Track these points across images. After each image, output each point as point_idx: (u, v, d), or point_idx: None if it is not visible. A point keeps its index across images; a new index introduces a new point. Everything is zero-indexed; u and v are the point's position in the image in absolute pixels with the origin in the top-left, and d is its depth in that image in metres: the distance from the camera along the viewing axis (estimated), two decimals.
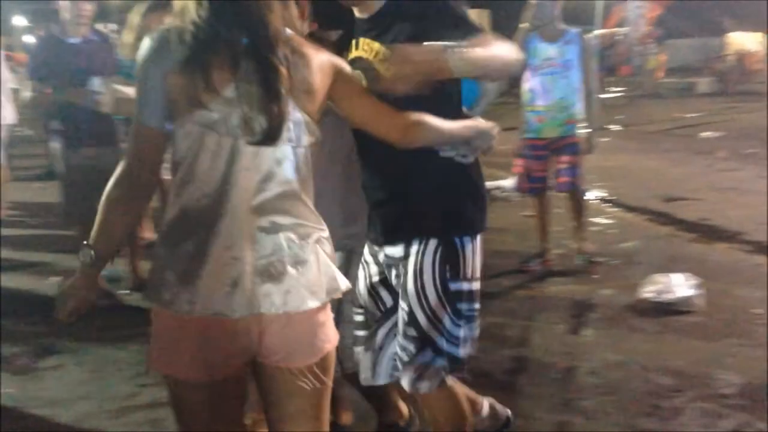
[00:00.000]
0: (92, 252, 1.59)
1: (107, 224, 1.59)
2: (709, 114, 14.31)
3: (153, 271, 1.59)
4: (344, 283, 1.69)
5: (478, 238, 2.07)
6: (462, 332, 2.06)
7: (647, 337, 3.76)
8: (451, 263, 2.00)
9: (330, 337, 1.67)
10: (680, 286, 4.11)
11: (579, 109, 4.62)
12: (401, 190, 2.03)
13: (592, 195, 6.88)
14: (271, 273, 1.54)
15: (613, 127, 12.42)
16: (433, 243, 2.00)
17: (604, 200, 7.12)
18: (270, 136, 1.49)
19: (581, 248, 4.89)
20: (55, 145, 4.35)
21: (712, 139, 11.08)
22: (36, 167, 8.84)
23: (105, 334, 3.75)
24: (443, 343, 2.03)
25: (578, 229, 4.95)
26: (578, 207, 4.87)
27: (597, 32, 16.42)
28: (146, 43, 1.54)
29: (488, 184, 8.01)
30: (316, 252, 1.61)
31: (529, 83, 4.67)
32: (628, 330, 3.86)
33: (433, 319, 2.01)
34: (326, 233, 1.66)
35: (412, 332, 2.02)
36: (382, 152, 1.86)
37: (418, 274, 2.00)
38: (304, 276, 1.57)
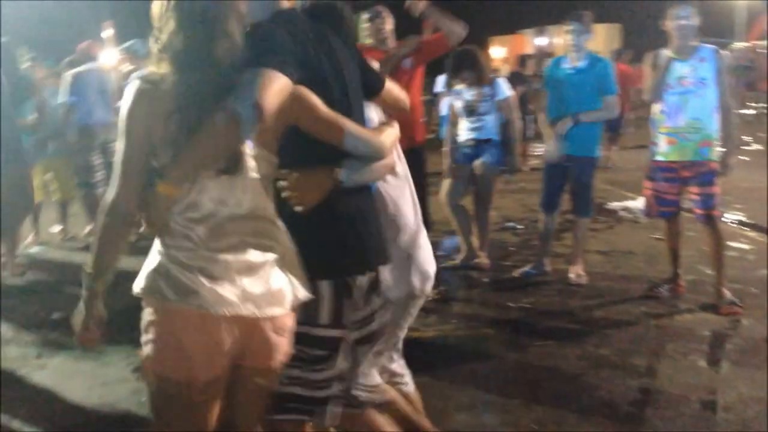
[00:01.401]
0: (95, 277, 1.75)
1: (104, 248, 1.74)
2: None
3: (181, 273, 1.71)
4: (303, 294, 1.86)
5: (329, 283, 1.95)
6: (295, 372, 1.98)
7: None
8: (304, 305, 1.91)
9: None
10: None
11: (714, 130, 4.36)
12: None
13: (729, 218, 6.50)
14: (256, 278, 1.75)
15: (754, 146, 11.69)
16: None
17: (742, 224, 6.69)
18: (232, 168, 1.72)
19: (720, 291, 4.46)
20: None
21: None
22: None
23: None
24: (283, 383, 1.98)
25: (716, 264, 4.53)
26: (716, 241, 4.47)
27: (736, 46, 15.57)
28: None
29: (615, 204, 7.85)
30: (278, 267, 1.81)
31: (662, 103, 4.47)
32: (766, 363, 3.61)
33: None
34: (292, 249, 1.84)
35: None
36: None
37: None
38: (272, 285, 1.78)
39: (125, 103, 1.71)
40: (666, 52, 4.42)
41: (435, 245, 5.77)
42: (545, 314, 4.52)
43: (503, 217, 7.29)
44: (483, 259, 5.48)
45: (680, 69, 4.36)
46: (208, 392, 1.75)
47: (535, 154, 10.48)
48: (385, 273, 2.22)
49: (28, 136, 5.67)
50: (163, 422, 1.80)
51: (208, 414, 1.79)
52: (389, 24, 4.58)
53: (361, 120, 2.03)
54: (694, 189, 4.44)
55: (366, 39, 4.62)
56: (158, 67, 1.72)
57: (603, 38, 18.13)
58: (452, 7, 4.72)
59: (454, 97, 5.45)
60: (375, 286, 2.11)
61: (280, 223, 1.83)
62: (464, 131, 5.44)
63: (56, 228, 7.01)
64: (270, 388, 1.90)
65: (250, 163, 1.75)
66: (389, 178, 2.30)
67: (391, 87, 2.26)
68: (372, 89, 2.17)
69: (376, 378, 2.33)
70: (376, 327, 2.16)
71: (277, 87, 1.65)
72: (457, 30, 4.28)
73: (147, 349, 1.74)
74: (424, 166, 4.72)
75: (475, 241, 5.52)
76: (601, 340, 4.02)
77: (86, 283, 1.77)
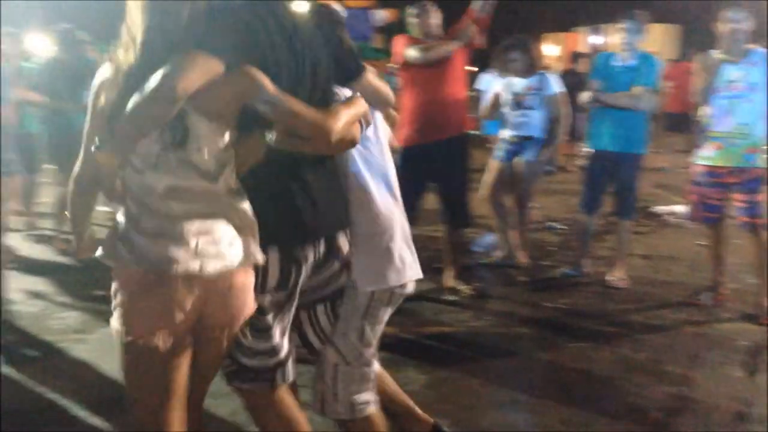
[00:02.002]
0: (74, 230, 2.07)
1: (75, 211, 2.03)
2: None
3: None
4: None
5: (275, 250, 2.02)
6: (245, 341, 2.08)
7: None
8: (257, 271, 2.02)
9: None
10: None
11: (762, 136, 4.24)
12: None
13: None
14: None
15: None
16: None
17: None
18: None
19: (761, 301, 4.35)
20: None
21: None
22: None
23: None
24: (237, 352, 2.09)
25: (759, 274, 4.43)
26: (760, 249, 4.37)
27: None
28: None
29: (662, 208, 7.71)
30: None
31: (710, 106, 4.37)
32: None
33: None
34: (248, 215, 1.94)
35: None
36: None
37: None
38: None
39: (92, 85, 1.90)
40: (717, 55, 4.32)
41: (474, 241, 5.85)
42: (581, 316, 4.47)
43: (546, 216, 7.22)
44: (521, 258, 5.44)
45: (731, 72, 4.26)
46: (172, 351, 1.85)
47: (581, 154, 10.34)
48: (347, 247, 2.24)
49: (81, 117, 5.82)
50: (132, 384, 1.90)
51: (175, 373, 1.88)
52: (436, 18, 4.59)
53: (322, 102, 2.07)
54: (740, 196, 4.34)
55: (414, 33, 4.64)
56: (125, 55, 1.84)
57: (661, 39, 17.75)
58: (505, 4, 4.71)
59: (502, 85, 5.36)
60: (332, 251, 2.17)
61: (236, 191, 1.93)
62: (509, 127, 5.38)
63: (103, 208, 7.16)
64: (226, 349, 2.01)
65: (201, 135, 1.85)
66: (361, 163, 2.30)
67: (372, 78, 2.30)
68: (346, 76, 2.21)
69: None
70: (334, 288, 2.25)
71: (198, 69, 1.78)
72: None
73: (115, 313, 1.85)
74: (468, 154, 4.72)
75: (514, 239, 5.49)
76: (636, 344, 3.96)
77: (71, 229, 2.09)
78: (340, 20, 2.45)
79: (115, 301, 1.85)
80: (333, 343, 2.30)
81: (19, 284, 4.71)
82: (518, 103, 5.28)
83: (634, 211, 5.11)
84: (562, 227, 6.82)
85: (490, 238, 5.91)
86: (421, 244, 6.01)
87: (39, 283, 4.92)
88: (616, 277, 4.99)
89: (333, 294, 2.27)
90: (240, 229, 1.92)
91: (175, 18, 1.84)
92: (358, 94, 2.19)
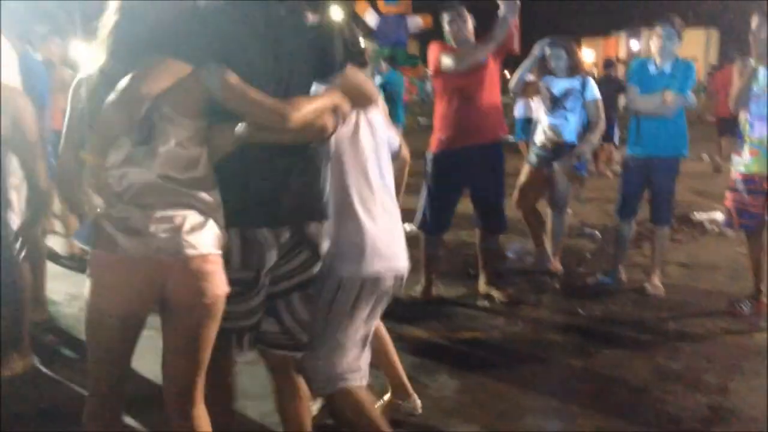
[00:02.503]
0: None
1: (63, 191, 2.24)
2: None
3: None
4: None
5: (237, 232, 2.17)
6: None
7: None
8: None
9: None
10: None
11: None
12: None
13: None
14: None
15: None
16: None
17: None
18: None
19: None
20: None
21: None
22: None
23: None
24: None
25: None
26: None
27: None
28: None
29: (701, 215, 7.56)
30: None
31: (747, 112, 4.30)
32: None
33: None
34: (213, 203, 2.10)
35: None
36: None
37: None
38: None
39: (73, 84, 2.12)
40: (753, 60, 4.25)
41: (508, 247, 5.82)
42: (617, 323, 4.42)
43: (582, 222, 7.15)
44: (555, 265, 5.40)
45: (766, 78, 4.18)
46: (125, 326, 2.06)
47: (618, 160, 10.23)
48: (325, 236, 2.35)
49: None
50: (92, 352, 2.12)
51: (128, 345, 2.11)
52: (470, 24, 4.60)
53: (290, 95, 2.16)
54: None
55: (448, 39, 4.65)
56: (99, 53, 2.05)
57: (702, 43, 17.53)
58: (543, 8, 4.69)
59: (544, 86, 5.24)
60: (302, 240, 2.28)
61: (204, 179, 2.08)
62: (544, 130, 5.31)
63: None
64: (194, 330, 2.11)
65: (169, 132, 2.02)
66: (346, 149, 2.43)
67: (354, 75, 2.36)
68: (326, 72, 2.28)
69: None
70: (306, 278, 2.34)
71: (166, 72, 1.97)
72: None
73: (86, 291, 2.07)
74: (503, 160, 4.73)
75: (549, 246, 5.45)
76: (672, 353, 3.91)
77: (69, 211, 2.31)
78: (329, 14, 2.59)
79: (87, 281, 2.06)
80: (309, 328, 2.42)
81: (60, 286, 4.81)
82: (557, 104, 5.20)
83: (671, 217, 5.03)
84: (598, 234, 6.75)
85: (524, 245, 5.88)
86: (455, 249, 6.10)
87: (80, 285, 5.01)
88: (653, 284, 4.93)
89: (307, 282, 2.36)
90: (204, 217, 2.07)
91: (144, 19, 2.03)
92: (334, 87, 2.28)
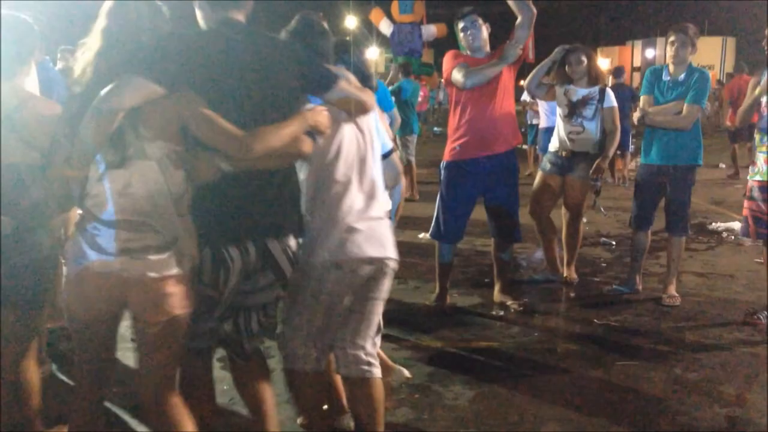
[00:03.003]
0: None
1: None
2: None
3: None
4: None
5: (208, 252, 2.31)
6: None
7: None
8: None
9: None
10: None
11: None
12: None
13: None
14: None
15: None
16: None
17: None
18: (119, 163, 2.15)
19: None
20: None
21: None
22: None
23: None
24: None
25: None
26: None
27: None
28: None
29: (719, 225, 7.51)
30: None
31: (762, 121, 4.27)
32: None
33: None
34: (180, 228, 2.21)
35: None
36: None
37: None
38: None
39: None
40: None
41: (523, 257, 5.80)
42: (633, 333, 4.39)
43: (597, 232, 7.12)
44: (571, 274, 5.38)
45: None
46: (94, 330, 2.28)
47: (632, 168, 10.20)
48: (290, 242, 2.46)
49: None
50: (77, 349, 2.39)
51: (97, 344, 2.32)
52: (484, 32, 4.59)
53: (269, 118, 2.30)
54: None
55: (463, 48, 4.65)
56: (83, 73, 2.21)
57: (714, 51, 17.45)
58: (559, 17, 4.69)
59: (562, 93, 5.21)
60: (267, 260, 2.40)
61: (176, 206, 2.20)
62: (560, 137, 5.27)
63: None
64: (157, 341, 2.25)
65: (143, 152, 2.15)
66: (326, 152, 2.55)
67: (345, 88, 2.50)
68: (316, 88, 2.47)
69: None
70: (267, 299, 2.50)
71: (136, 91, 2.09)
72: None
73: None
74: (517, 170, 4.75)
75: (563, 255, 5.42)
76: (689, 364, 3.87)
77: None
78: (323, 31, 2.70)
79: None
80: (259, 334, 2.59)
81: None
82: (574, 111, 5.16)
83: (687, 227, 4.98)
84: (613, 243, 6.72)
85: (539, 254, 5.86)
86: (469, 258, 6.09)
87: None
88: (669, 294, 4.89)
89: (267, 303, 2.53)
90: (170, 239, 2.18)
91: (125, 43, 2.18)
92: (309, 108, 2.44)
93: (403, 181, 3.43)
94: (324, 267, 2.53)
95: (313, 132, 2.41)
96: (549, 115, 7.89)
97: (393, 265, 2.67)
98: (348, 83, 2.54)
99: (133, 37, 2.20)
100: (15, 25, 2.68)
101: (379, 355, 3.17)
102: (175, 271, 2.19)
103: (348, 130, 2.61)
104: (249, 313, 2.51)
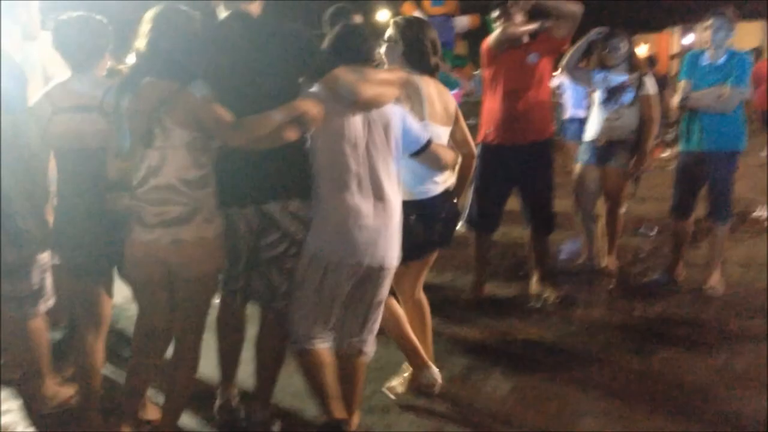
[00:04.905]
0: None
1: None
2: None
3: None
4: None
5: (223, 213, 2.77)
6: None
7: None
8: None
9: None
10: None
11: None
12: None
13: None
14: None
15: None
16: None
17: None
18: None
19: None
20: None
21: None
22: None
23: None
24: None
25: None
26: None
27: None
28: None
29: (760, 212, 7.30)
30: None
31: None
32: None
33: None
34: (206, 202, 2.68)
35: None
36: None
37: None
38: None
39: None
40: None
41: (560, 247, 5.74)
42: (674, 323, 4.32)
43: (637, 220, 7.01)
44: (610, 264, 5.30)
45: None
46: (150, 291, 2.78)
47: (673, 156, 10.01)
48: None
49: None
50: (140, 309, 2.88)
51: (157, 304, 2.81)
52: (518, 20, 4.55)
53: (265, 106, 2.54)
54: None
55: None
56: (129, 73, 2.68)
57: (755, 35, 17.06)
58: (595, 4, 4.64)
59: (600, 79, 5.11)
60: (271, 222, 2.71)
61: (200, 182, 2.63)
62: (598, 125, 5.16)
63: None
64: (194, 296, 2.76)
65: (169, 139, 2.57)
66: (330, 141, 2.66)
67: (340, 75, 2.60)
68: (312, 74, 2.66)
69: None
70: (276, 254, 2.75)
71: (151, 90, 2.54)
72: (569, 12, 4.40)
73: None
74: (551, 159, 4.68)
75: (603, 245, 5.35)
76: (733, 354, 3.80)
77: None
78: (366, 36, 2.84)
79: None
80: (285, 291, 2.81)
81: (122, 288, 4.91)
82: (612, 97, 5.05)
83: (730, 214, 4.88)
84: (653, 232, 6.61)
85: (576, 244, 5.79)
86: (505, 250, 6.04)
87: None
88: (711, 283, 4.80)
89: (279, 258, 2.76)
90: (198, 209, 2.62)
91: (168, 41, 2.58)
92: (321, 86, 2.63)
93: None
94: (323, 265, 2.70)
95: (301, 121, 2.54)
96: (573, 105, 7.82)
97: (391, 267, 2.79)
98: (344, 71, 2.62)
99: (173, 42, 2.59)
100: (91, 23, 2.96)
101: (416, 350, 3.26)
102: (204, 233, 2.64)
103: (349, 123, 2.64)
104: (268, 267, 2.80)
